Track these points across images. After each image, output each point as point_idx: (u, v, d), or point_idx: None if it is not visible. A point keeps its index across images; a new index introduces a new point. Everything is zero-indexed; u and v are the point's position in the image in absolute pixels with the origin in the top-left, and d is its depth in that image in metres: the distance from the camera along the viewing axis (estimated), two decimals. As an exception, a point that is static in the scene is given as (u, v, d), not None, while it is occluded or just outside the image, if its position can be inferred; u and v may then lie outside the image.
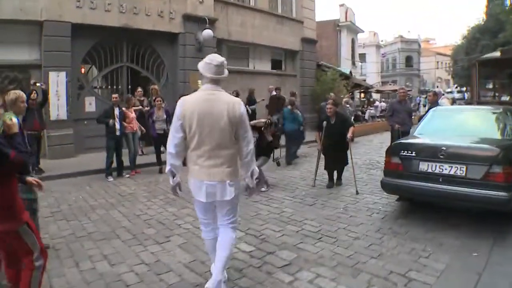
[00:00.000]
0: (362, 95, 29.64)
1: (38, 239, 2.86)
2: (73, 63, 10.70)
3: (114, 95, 8.65)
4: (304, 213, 5.58)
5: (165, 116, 9.13)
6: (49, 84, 9.98)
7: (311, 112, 16.49)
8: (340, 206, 5.94)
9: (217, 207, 3.23)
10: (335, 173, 7.37)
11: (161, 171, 8.80)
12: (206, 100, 3.02)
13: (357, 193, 6.64)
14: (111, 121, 8.17)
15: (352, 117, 14.48)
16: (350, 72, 23.02)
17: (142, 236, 4.72)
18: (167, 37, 12.94)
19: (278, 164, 8.07)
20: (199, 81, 12.99)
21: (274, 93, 13.55)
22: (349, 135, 6.86)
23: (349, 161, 7.19)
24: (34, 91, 8.31)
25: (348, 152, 7.14)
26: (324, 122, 7.18)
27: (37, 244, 2.80)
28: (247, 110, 6.84)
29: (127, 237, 4.69)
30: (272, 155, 7.40)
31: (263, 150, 6.84)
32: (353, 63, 30.74)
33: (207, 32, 12.89)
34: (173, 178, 3.14)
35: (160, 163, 9.04)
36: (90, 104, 11.33)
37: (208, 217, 3.30)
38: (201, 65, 3.13)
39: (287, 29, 17.23)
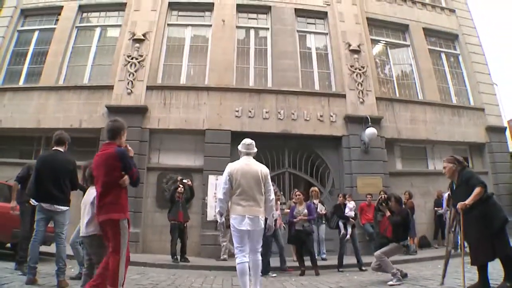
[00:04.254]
0: None
1: (128, 246, 3.73)
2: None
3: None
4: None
5: (305, 211, 7.77)
6: (208, 186, 10.41)
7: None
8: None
9: (252, 237, 4.44)
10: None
11: (303, 274, 7.41)
12: (246, 165, 4.62)
13: None
14: None
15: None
16: None
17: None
18: (330, 140, 12.01)
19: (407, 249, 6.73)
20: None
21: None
22: (466, 201, 4.47)
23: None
24: (181, 187, 8.97)
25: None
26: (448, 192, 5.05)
27: (125, 248, 3.66)
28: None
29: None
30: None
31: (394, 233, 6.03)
32: None
33: (370, 131, 11.43)
34: (221, 216, 4.53)
35: (303, 265, 7.56)
36: (250, 208, 10.66)
37: (243, 244, 4.41)
38: (239, 146, 4.81)
39: (466, 120, 14.48)
